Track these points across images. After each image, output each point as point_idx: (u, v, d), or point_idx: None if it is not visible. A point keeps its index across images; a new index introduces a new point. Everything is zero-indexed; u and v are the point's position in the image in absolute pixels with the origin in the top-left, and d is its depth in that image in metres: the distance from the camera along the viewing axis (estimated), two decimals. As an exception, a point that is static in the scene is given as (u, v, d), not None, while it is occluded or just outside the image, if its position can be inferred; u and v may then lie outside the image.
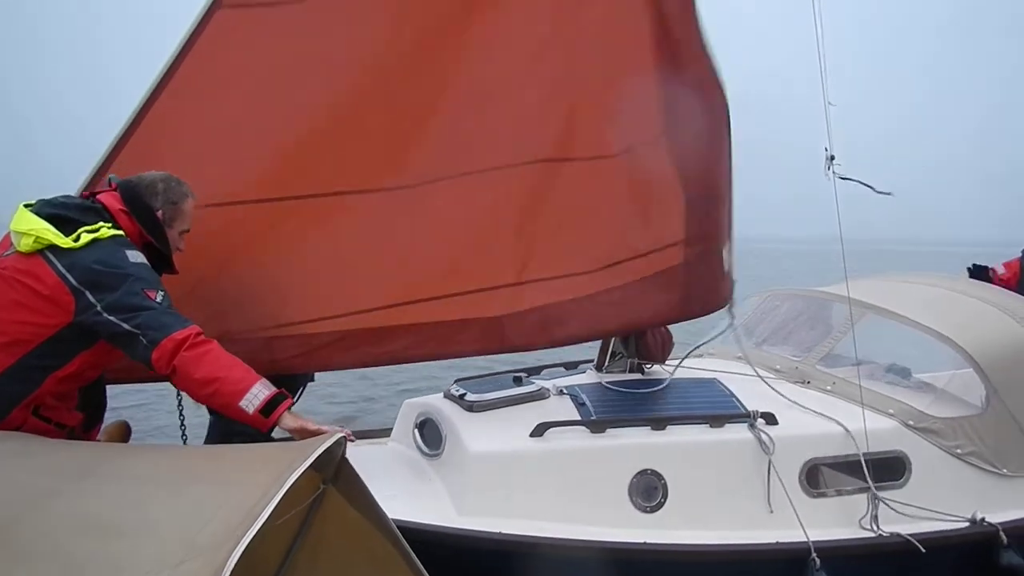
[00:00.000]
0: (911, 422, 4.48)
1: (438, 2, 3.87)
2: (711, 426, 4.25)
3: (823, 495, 4.26)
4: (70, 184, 3.48)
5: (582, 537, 3.75)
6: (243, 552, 1.69)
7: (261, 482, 1.94)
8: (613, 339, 4.92)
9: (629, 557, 3.78)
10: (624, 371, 4.90)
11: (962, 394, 4.84)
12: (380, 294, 3.97)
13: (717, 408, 4.43)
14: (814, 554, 3.87)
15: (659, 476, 4.05)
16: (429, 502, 3.90)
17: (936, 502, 4.33)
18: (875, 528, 4.17)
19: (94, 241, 2.93)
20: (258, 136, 3.77)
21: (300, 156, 3.82)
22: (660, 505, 4.04)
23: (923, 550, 4.02)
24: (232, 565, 1.64)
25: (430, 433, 4.37)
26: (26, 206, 3.00)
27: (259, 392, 2.93)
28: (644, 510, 4.02)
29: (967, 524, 4.32)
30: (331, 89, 3.84)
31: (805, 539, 3.93)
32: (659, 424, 4.20)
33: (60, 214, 2.96)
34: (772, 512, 4.11)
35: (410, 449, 4.48)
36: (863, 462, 4.21)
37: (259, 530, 1.77)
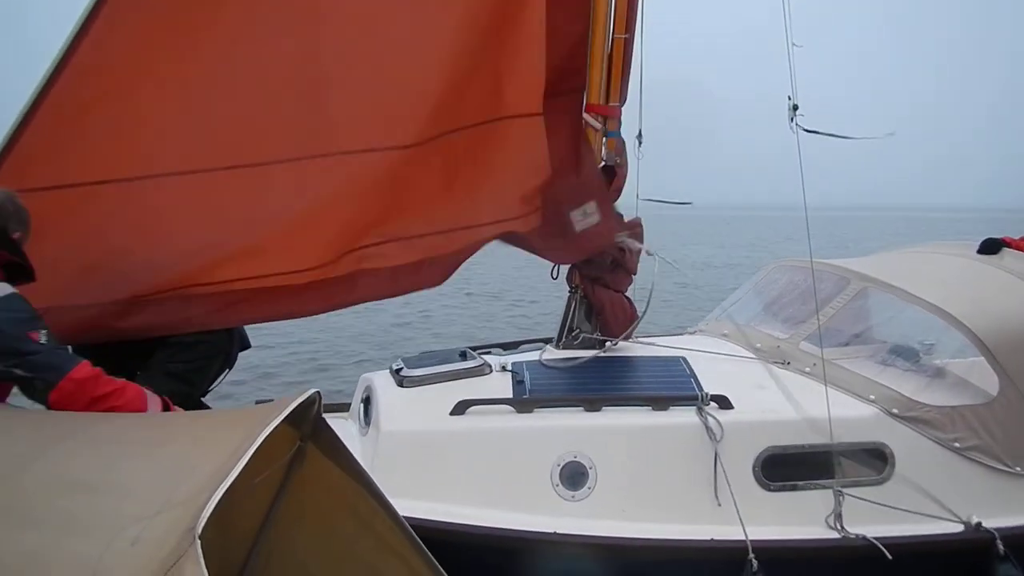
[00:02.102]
0: (895, 410, 3.91)
1: None
2: (653, 408, 3.85)
3: (783, 489, 3.78)
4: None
5: (484, 524, 3.46)
6: (223, 505, 1.69)
7: (235, 437, 1.94)
8: (571, 315, 4.58)
9: (538, 547, 3.46)
10: (585, 348, 4.54)
11: (977, 381, 4.20)
12: (290, 257, 3.87)
13: (669, 389, 4.02)
14: (751, 554, 3.42)
15: (587, 461, 3.69)
16: None
17: (924, 502, 3.79)
18: (840, 528, 3.67)
19: None
20: (165, 111, 3.68)
21: (210, 129, 3.72)
22: (588, 492, 3.68)
23: (889, 556, 3.50)
24: (208, 513, 1.63)
25: (370, 409, 4.19)
26: None
27: None
28: (570, 497, 3.68)
29: (961, 528, 3.74)
30: (230, 60, 3.70)
31: (743, 537, 3.49)
32: (594, 405, 3.84)
33: None
34: (720, 505, 3.68)
35: (356, 424, 4.32)
36: (828, 454, 3.71)
37: (239, 485, 1.76)
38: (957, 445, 3.91)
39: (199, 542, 1.58)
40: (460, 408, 3.79)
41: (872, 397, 3.96)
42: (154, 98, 3.63)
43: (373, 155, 3.84)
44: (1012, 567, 3.63)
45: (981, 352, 4.04)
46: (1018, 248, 4.77)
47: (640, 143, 5.08)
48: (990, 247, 4.79)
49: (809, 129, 3.77)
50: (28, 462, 2.10)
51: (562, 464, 3.68)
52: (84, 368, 2.78)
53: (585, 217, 4.22)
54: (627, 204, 5.35)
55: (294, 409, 2.15)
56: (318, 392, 2.33)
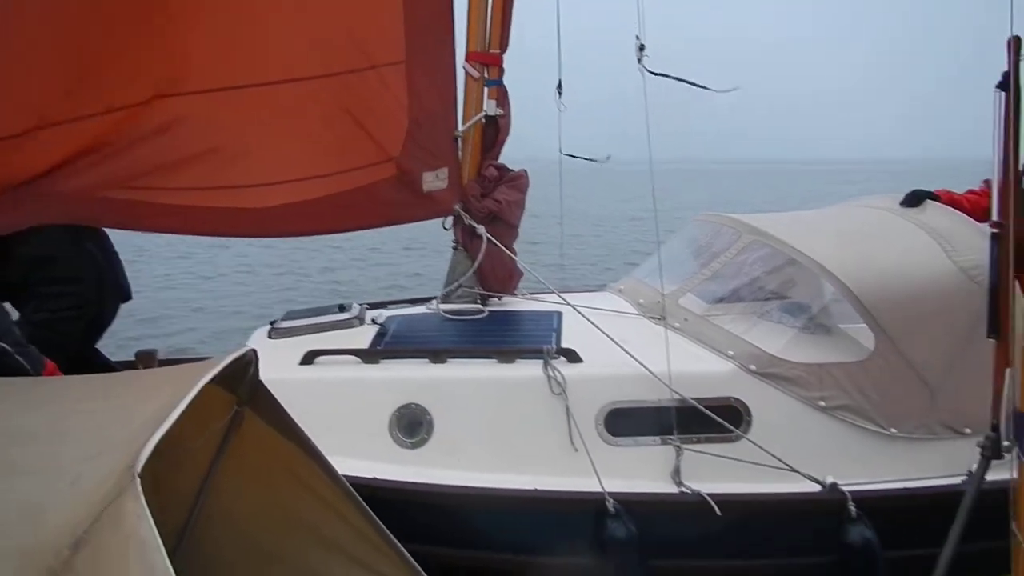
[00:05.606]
0: (753, 367, 3.75)
1: None
2: (499, 361, 3.80)
3: (624, 444, 3.69)
4: None
5: None
6: (160, 468, 1.83)
7: (172, 391, 2.00)
8: (453, 269, 4.55)
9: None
10: (468, 302, 4.51)
11: (863, 340, 3.99)
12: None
13: (528, 343, 3.96)
14: (609, 502, 3.38)
15: (424, 411, 3.68)
16: None
17: (780, 461, 3.62)
18: (678, 483, 3.57)
19: None
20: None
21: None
22: (423, 441, 3.68)
23: (718, 512, 3.38)
24: (147, 453, 1.67)
25: None
26: None
27: None
28: (406, 445, 3.69)
29: (815, 488, 3.57)
30: None
31: (580, 488, 3.44)
32: (439, 356, 3.82)
33: None
34: (562, 456, 3.62)
35: None
36: (670, 409, 3.61)
37: (176, 443, 1.86)
38: (823, 404, 3.73)
39: (138, 480, 1.59)
40: (308, 358, 3.83)
41: (731, 353, 3.81)
42: None
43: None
44: (865, 528, 3.45)
45: (855, 308, 3.84)
46: (948, 202, 4.47)
47: (560, 94, 4.97)
48: (912, 200, 4.49)
49: (656, 72, 3.59)
50: None
51: (399, 413, 3.69)
52: (50, 365, 3.24)
53: (435, 181, 4.14)
54: (548, 159, 5.27)
55: (231, 373, 2.23)
56: (254, 351, 2.35)
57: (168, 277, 14.30)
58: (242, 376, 2.37)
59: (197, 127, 3.52)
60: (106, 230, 4.36)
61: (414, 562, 2.65)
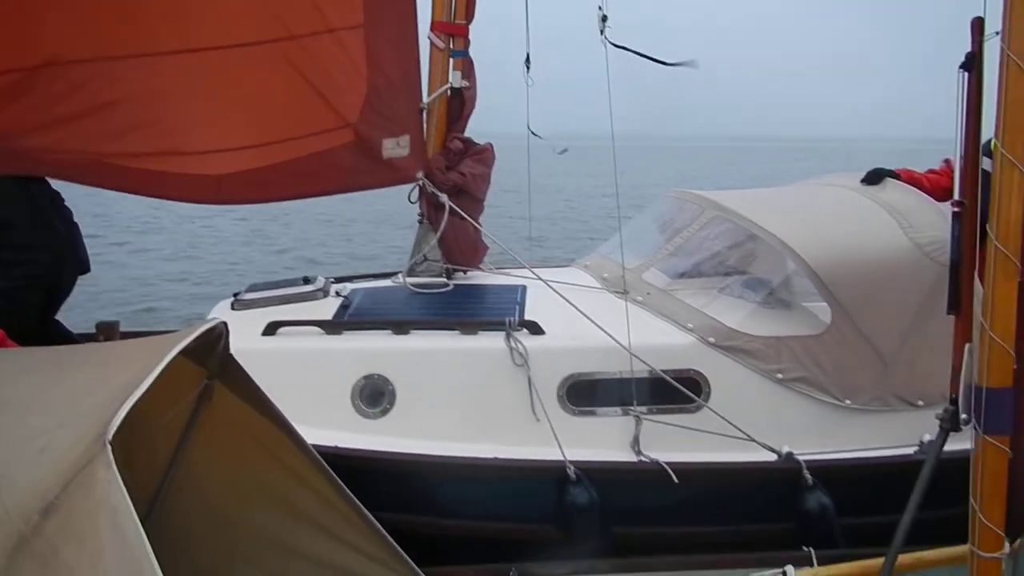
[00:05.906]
0: (712, 339, 3.82)
1: None
2: (462, 332, 3.81)
3: (585, 414, 3.74)
4: None
5: None
6: (129, 442, 1.77)
7: (141, 362, 1.94)
8: (418, 242, 4.53)
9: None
10: (434, 276, 4.49)
11: (821, 315, 4.09)
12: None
13: (491, 315, 3.97)
14: (570, 469, 3.42)
15: (386, 381, 3.69)
16: None
17: (738, 431, 3.70)
18: (637, 452, 3.64)
19: None
20: None
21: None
22: (386, 411, 3.68)
23: (675, 479, 3.46)
24: (118, 422, 1.63)
25: None
26: None
27: None
28: (368, 415, 3.69)
29: (772, 458, 3.67)
30: None
31: (542, 457, 3.48)
32: (401, 328, 3.82)
33: None
34: (526, 426, 3.66)
35: None
36: (630, 380, 3.66)
37: (145, 416, 1.79)
38: (780, 376, 3.82)
39: (109, 447, 1.58)
40: (271, 329, 3.79)
41: (691, 326, 3.87)
42: None
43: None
44: (821, 496, 3.56)
45: (813, 282, 3.93)
46: (908, 180, 4.58)
47: (528, 69, 4.93)
48: (873, 177, 4.59)
49: (618, 45, 3.60)
50: None
51: (362, 383, 3.69)
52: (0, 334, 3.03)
53: (396, 148, 4.07)
54: (515, 134, 5.25)
55: (200, 345, 2.20)
56: (224, 323, 2.30)
57: (141, 254, 14.06)
58: (212, 349, 2.34)
59: (149, 92, 3.42)
60: (69, 205, 4.27)
61: (384, 532, 2.66)
